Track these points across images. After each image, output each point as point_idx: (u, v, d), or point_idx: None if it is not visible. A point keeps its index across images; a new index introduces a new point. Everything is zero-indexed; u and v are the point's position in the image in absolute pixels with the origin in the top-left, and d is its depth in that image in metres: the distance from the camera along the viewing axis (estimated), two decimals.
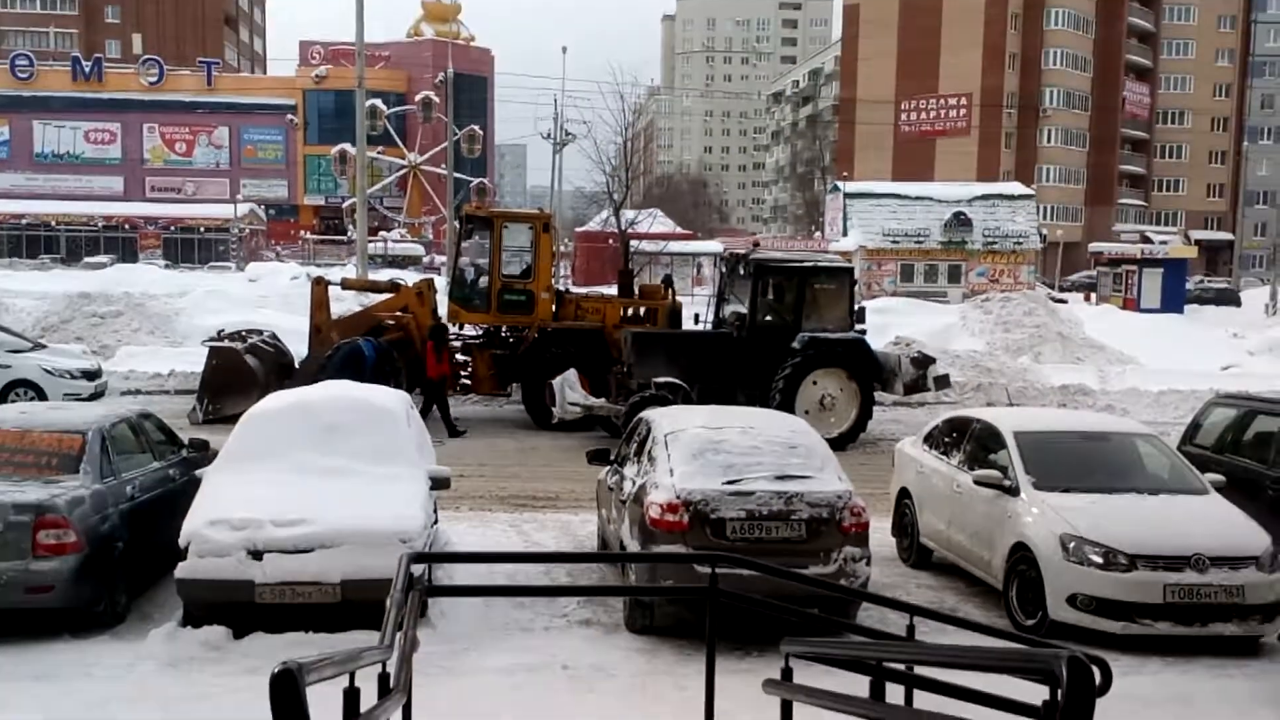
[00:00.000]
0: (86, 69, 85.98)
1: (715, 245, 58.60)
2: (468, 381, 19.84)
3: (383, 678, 4.56)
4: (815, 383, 17.60)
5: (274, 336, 20.55)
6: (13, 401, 17.71)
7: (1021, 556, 8.90)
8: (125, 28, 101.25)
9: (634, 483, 9.03)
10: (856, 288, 19.39)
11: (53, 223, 78.75)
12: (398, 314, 19.68)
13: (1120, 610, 8.29)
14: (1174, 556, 8.32)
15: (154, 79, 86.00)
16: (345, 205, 70.67)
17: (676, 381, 16.85)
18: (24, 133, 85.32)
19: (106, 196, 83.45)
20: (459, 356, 19.80)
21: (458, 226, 22.34)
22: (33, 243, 76.81)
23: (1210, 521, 8.85)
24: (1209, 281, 67.35)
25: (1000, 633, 6.67)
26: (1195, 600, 8.25)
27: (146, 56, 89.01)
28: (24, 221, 78.64)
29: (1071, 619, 8.45)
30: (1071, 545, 8.50)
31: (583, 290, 25.28)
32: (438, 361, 18.28)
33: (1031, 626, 8.61)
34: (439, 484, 9.34)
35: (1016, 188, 63.73)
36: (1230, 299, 57.61)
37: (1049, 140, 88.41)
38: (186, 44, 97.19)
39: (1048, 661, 3.60)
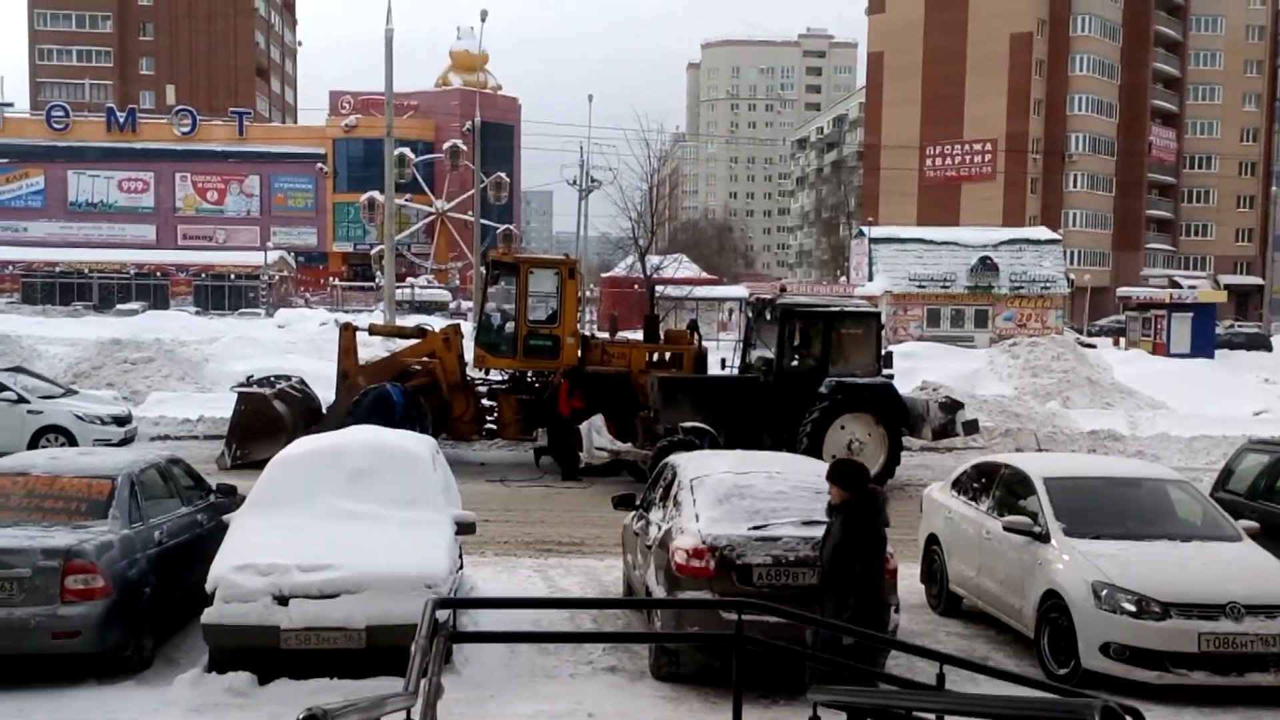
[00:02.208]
0: (121, 119, 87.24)
1: (740, 290, 58.73)
2: (493, 426, 19.85)
3: None
4: (843, 428, 17.46)
5: (302, 382, 20.69)
6: (44, 447, 17.80)
7: (1053, 604, 8.78)
8: (159, 79, 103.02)
9: (660, 528, 8.98)
10: (883, 332, 19.32)
11: (86, 270, 79.65)
12: (424, 359, 19.74)
13: (1154, 659, 8.17)
14: (1208, 605, 8.20)
15: (187, 129, 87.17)
16: (373, 252, 71.10)
17: (703, 426, 16.79)
18: (59, 182, 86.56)
19: (139, 244, 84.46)
20: (485, 401, 19.84)
21: (484, 272, 22.45)
22: (66, 290, 77.76)
23: (1245, 568, 8.73)
24: (1239, 326, 66.61)
25: (1032, 682, 6.59)
26: (1231, 649, 8.12)
27: (180, 107, 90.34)
28: (58, 269, 79.70)
29: (1105, 668, 8.33)
30: (1104, 593, 8.39)
31: (607, 335, 25.25)
32: (569, 398, 18.27)
33: (1064, 676, 8.48)
34: (464, 529, 9.35)
35: (1043, 232, 63.54)
36: (1261, 343, 56.83)
37: (1075, 185, 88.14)
38: (219, 95, 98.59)
39: (1081, 712, 3.56)
